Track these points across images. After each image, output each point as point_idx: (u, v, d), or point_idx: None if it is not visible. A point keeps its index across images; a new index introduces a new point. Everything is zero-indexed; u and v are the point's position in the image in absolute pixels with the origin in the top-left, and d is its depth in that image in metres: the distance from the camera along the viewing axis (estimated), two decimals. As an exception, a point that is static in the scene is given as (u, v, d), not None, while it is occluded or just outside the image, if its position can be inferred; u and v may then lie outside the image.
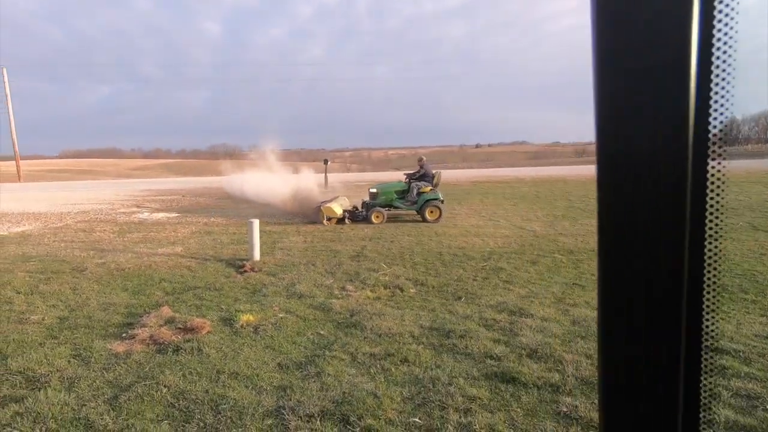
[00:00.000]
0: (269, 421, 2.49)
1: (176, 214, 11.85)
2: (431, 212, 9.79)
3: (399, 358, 3.24)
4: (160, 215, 11.79)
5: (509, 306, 4.36)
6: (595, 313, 3.99)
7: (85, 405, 2.67)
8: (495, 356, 3.25)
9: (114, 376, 3.04)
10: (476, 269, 5.81)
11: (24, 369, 3.14)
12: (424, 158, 10.79)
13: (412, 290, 5.02)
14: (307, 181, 13.25)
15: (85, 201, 15.94)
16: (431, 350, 3.40)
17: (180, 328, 3.85)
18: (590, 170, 24.88)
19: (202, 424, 2.46)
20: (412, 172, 10.55)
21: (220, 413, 2.57)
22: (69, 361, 3.29)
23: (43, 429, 2.43)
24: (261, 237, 6.78)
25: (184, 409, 2.62)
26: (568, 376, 2.90)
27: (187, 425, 2.46)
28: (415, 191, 10.08)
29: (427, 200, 9.83)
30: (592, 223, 8.87)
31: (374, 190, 10.41)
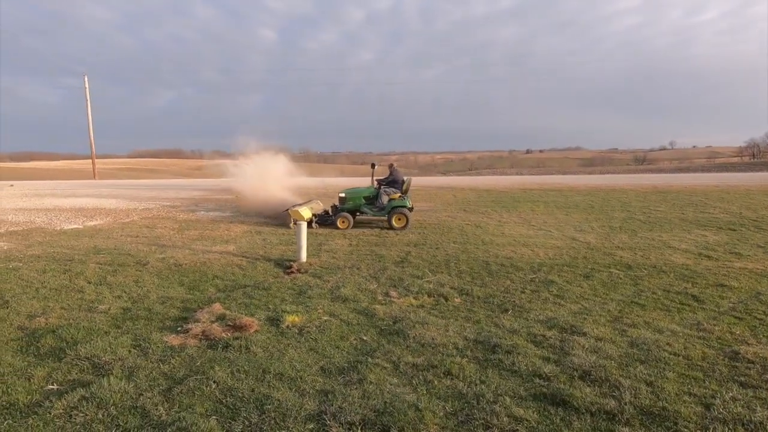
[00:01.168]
0: (311, 426, 2.51)
1: (230, 213, 12.41)
2: (398, 219, 9.69)
3: (442, 371, 3.17)
4: (215, 214, 12.39)
5: (560, 322, 4.15)
6: (657, 336, 3.71)
7: (142, 395, 2.83)
8: (544, 375, 3.09)
9: (169, 369, 3.21)
10: (525, 281, 5.59)
11: (91, 355, 3.39)
12: (395, 164, 10.69)
13: (456, 299, 4.91)
14: (278, 180, 13.15)
15: (149, 198, 17.09)
16: (476, 364, 3.29)
17: (230, 326, 4.00)
18: (652, 179, 23.30)
19: (247, 423, 2.53)
20: (382, 178, 10.47)
21: (264, 413, 2.62)
22: (130, 351, 3.51)
23: (105, 415, 2.60)
24: (308, 239, 6.93)
25: (231, 406, 2.71)
26: (626, 404, 2.70)
27: (233, 422, 2.54)
28: (383, 197, 10.00)
29: (394, 207, 9.78)
30: (653, 237, 8.28)
31: (343, 195, 10.36)
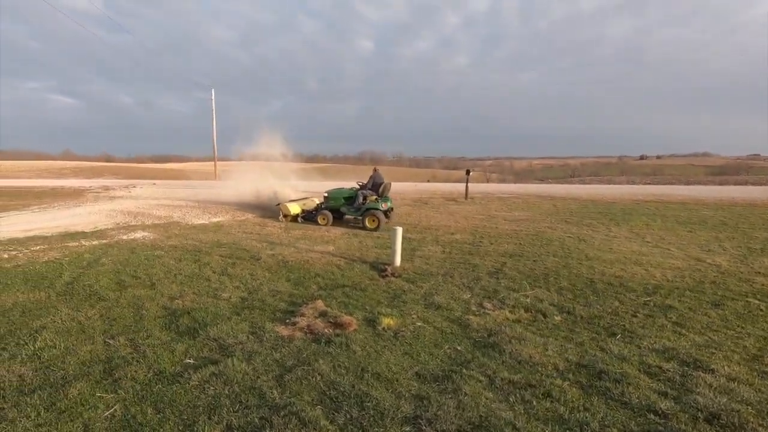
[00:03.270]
0: (407, 428, 2.60)
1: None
2: (371, 221, 10.33)
3: (541, 391, 3.05)
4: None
5: (680, 354, 3.71)
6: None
7: (259, 377, 3.19)
8: (660, 412, 2.81)
9: (280, 356, 3.56)
10: (637, 304, 5.08)
11: (218, 337, 3.91)
12: (377, 168, 11.35)
13: (556, 318, 4.66)
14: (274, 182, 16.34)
15: (260, 198, 18.84)
16: (579, 389, 3.11)
17: (331, 323, 4.29)
18: (807, 192, 19.37)
19: (348, 416, 2.71)
20: (365, 182, 11.32)
21: (364, 410, 2.79)
22: (248, 337, 3.96)
23: (230, 391, 2.99)
24: (402, 244, 7.10)
25: (334, 399, 2.93)
26: (766, 459, 2.33)
27: (336, 414, 2.74)
28: (360, 199, 10.76)
29: (368, 209, 10.48)
30: (808, 264, 6.91)
31: (326, 195, 11.51)
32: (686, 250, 8.05)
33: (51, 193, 21.28)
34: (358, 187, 11.28)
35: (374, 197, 10.74)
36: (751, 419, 2.71)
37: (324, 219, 11.06)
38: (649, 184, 33.49)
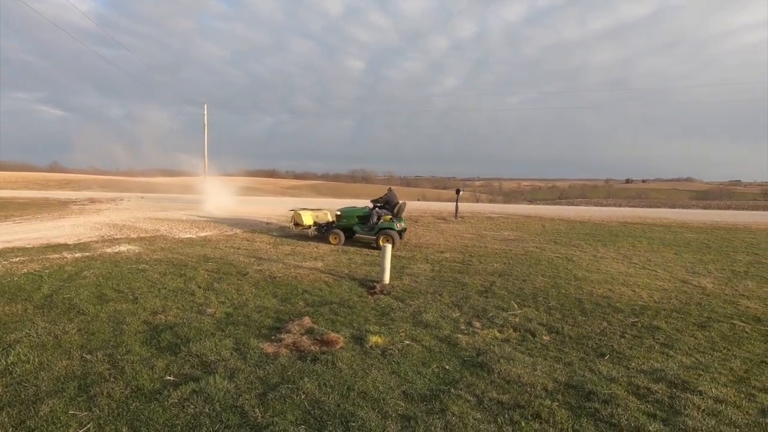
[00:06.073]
0: (393, 449, 2.53)
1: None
2: (385, 240, 10.03)
3: (530, 412, 3.00)
4: (300, 229, 13.15)
5: (668, 376, 3.70)
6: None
7: (241, 396, 3.09)
8: (649, 434, 2.77)
9: (264, 374, 3.46)
10: (624, 324, 5.09)
11: (200, 353, 3.79)
12: (392, 188, 11.26)
13: (545, 337, 4.63)
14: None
15: (248, 213, 18.74)
16: (568, 410, 3.06)
17: (318, 340, 4.21)
18: (787, 218, 19.87)
19: (332, 437, 2.63)
20: (377, 198, 11.16)
21: (348, 430, 2.71)
22: (231, 353, 3.86)
23: (211, 410, 2.89)
24: (391, 262, 7.06)
25: (318, 419, 2.84)
26: (756, 483, 2.31)
27: (320, 434, 2.65)
28: (375, 218, 10.54)
29: (382, 228, 10.29)
30: (790, 287, 7.03)
31: (338, 213, 11.14)
32: (672, 272, 8.13)
33: (35, 205, 20.86)
34: (371, 206, 10.96)
35: (389, 217, 10.51)
36: (740, 442, 2.69)
37: (336, 238, 10.62)
38: (635, 206, 34.05)
